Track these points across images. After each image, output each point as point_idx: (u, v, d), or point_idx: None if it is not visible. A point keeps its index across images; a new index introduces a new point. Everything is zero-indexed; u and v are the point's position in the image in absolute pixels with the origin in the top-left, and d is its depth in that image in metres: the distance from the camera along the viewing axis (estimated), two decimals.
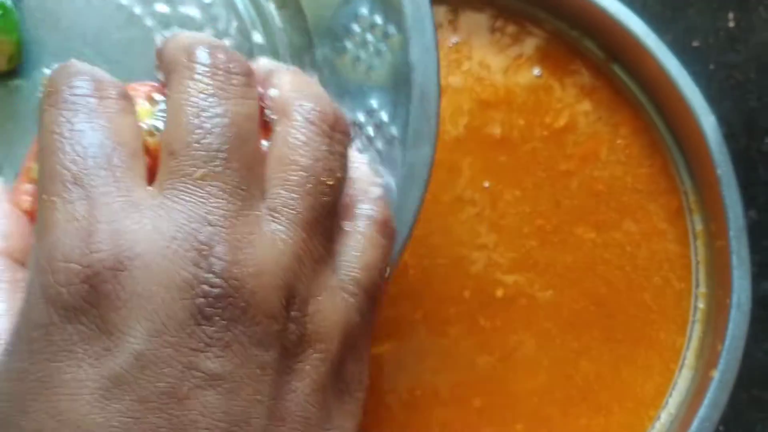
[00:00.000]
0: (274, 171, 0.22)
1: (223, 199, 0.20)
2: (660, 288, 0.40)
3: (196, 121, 0.21)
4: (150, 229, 0.19)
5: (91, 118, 0.21)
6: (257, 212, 0.21)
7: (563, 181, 0.40)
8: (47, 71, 0.23)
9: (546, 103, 0.40)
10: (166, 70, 0.23)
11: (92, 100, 0.21)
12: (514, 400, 0.39)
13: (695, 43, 0.46)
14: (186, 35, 0.24)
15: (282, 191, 0.21)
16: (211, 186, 0.20)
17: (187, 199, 0.20)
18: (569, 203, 0.40)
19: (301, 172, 0.22)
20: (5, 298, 0.22)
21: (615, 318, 0.40)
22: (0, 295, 0.22)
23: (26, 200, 0.24)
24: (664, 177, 0.40)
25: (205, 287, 0.19)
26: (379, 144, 0.28)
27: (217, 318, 0.19)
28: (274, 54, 0.31)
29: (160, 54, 0.24)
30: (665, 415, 0.39)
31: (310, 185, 0.22)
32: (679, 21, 0.46)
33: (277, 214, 0.21)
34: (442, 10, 0.41)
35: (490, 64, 0.41)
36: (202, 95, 0.21)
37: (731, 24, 0.46)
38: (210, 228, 0.19)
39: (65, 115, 0.21)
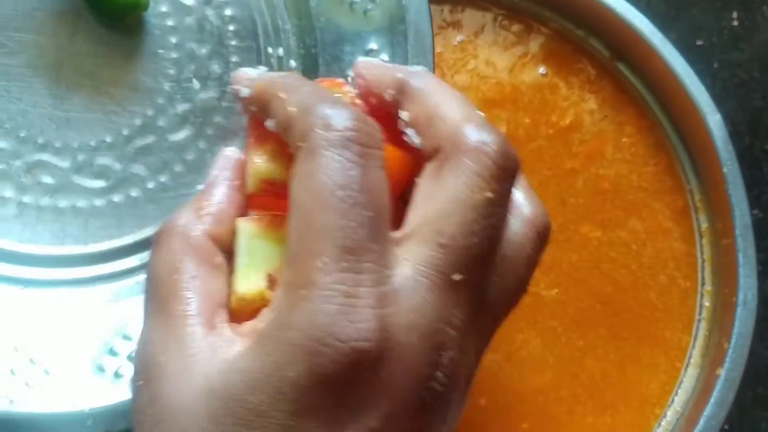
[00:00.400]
0: (500, 271, 0.23)
1: (468, 305, 0.21)
2: (665, 286, 0.40)
3: (474, 226, 0.21)
4: (407, 322, 0.20)
5: (370, 178, 0.21)
6: (478, 312, 0.22)
7: (569, 180, 0.40)
8: (251, 72, 0.24)
9: (552, 101, 0.40)
10: (440, 141, 0.22)
11: (371, 151, 0.21)
12: (520, 398, 0.39)
13: (699, 42, 0.46)
14: (462, 107, 0.23)
15: (500, 297, 0.23)
16: (464, 291, 0.21)
17: (442, 298, 0.21)
18: (574, 201, 0.40)
19: (518, 285, 0.23)
20: (204, 277, 0.23)
21: (620, 316, 0.40)
22: (200, 273, 0.23)
23: (251, 186, 0.24)
24: (670, 176, 0.40)
25: (435, 385, 0.21)
26: None
27: (437, 409, 0.21)
28: (270, 6, 0.32)
29: (423, 115, 0.23)
30: (671, 414, 0.39)
31: (521, 292, 0.24)
32: (683, 20, 0.46)
33: (488, 314, 0.23)
34: (447, 9, 0.41)
35: (496, 62, 0.41)
36: (487, 201, 0.21)
37: (735, 23, 0.46)
38: (452, 332, 0.21)
39: (346, 168, 0.21)
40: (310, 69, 0.31)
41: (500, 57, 0.41)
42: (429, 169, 0.22)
